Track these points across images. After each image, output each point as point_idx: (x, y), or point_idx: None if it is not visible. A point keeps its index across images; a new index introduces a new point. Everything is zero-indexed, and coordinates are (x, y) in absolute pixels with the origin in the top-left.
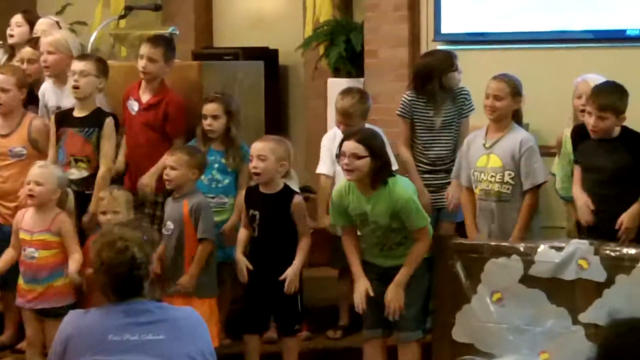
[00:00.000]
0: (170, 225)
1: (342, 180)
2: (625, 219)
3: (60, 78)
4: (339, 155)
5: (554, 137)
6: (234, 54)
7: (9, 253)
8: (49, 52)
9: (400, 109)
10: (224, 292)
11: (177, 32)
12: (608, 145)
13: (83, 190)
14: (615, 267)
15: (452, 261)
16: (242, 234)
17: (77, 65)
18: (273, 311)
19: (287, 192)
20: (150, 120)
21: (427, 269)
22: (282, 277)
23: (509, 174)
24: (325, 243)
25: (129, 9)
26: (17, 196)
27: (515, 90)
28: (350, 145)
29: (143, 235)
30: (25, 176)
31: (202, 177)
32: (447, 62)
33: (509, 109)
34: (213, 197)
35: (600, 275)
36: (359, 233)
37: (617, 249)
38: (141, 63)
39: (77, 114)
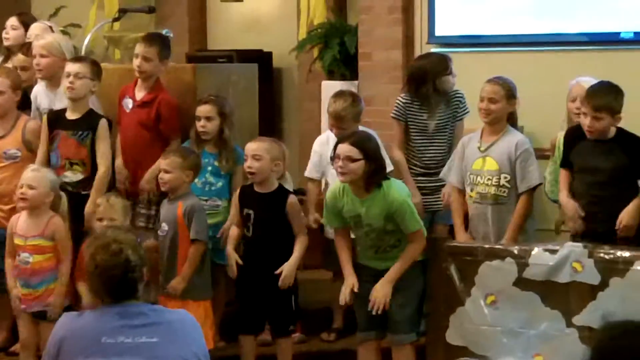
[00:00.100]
0: (164, 226)
1: (336, 182)
2: (624, 217)
3: (52, 81)
4: (334, 158)
5: (548, 139)
6: (228, 57)
7: (9, 264)
8: (42, 55)
9: (394, 112)
10: (218, 294)
11: (171, 35)
12: (604, 146)
13: (79, 191)
14: (610, 270)
15: (446, 264)
16: (234, 231)
17: (72, 67)
18: (267, 312)
19: (282, 191)
20: (143, 119)
21: (421, 272)
22: (278, 271)
23: (505, 177)
24: (319, 245)
25: (123, 11)
26: (12, 199)
27: (510, 93)
28: (345, 148)
29: (137, 237)
30: (19, 178)
31: (196, 180)
32: (442, 65)
33: (504, 112)
34: (206, 200)
35: (594, 278)
36: (352, 236)
37: (611, 251)
38: (136, 62)
39: (70, 116)
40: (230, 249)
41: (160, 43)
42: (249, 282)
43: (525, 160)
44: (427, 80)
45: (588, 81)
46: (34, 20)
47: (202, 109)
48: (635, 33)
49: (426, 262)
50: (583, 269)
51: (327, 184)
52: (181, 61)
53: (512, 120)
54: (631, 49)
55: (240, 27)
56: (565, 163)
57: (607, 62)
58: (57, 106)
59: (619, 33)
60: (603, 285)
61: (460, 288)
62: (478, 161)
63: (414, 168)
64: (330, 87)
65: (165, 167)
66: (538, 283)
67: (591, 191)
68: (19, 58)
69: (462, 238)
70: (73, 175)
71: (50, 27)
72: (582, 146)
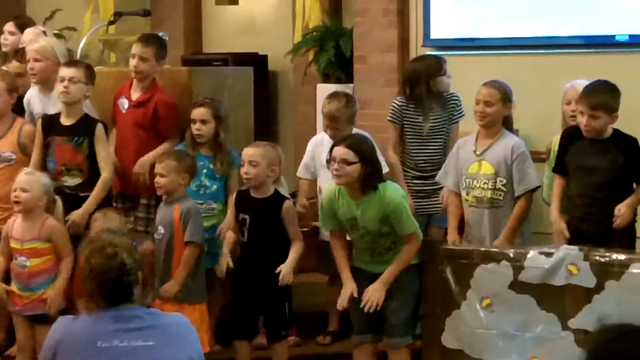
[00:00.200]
0: (161, 229)
1: (332, 184)
2: (622, 206)
3: (46, 85)
4: (329, 161)
5: (543, 142)
6: (224, 60)
7: (1, 262)
8: (36, 60)
9: (390, 115)
10: (214, 298)
11: (167, 38)
12: (601, 145)
13: (77, 194)
14: (605, 272)
15: (442, 267)
16: (230, 236)
17: (66, 72)
18: (262, 316)
19: (278, 197)
20: (139, 119)
21: (417, 275)
22: (278, 270)
23: (501, 181)
24: (314, 249)
25: (118, 14)
26: (6, 201)
27: (505, 97)
28: (341, 151)
29: (132, 241)
30: (14, 182)
31: (191, 183)
32: (436, 66)
33: (499, 115)
34: (202, 203)
35: (589, 281)
36: (348, 238)
37: (607, 254)
38: (132, 62)
39: (64, 121)
40: (225, 250)
41: (157, 43)
42: (244, 287)
43: (522, 162)
44: (420, 81)
45: (583, 84)
46: (32, 23)
47: (198, 112)
48: (630, 36)
49: (422, 265)
50: (578, 272)
51: (320, 190)
52: (177, 64)
53: (507, 123)
54: (626, 52)
55: (236, 30)
56: (558, 167)
57: (602, 65)
58: (51, 110)
59: (614, 36)
60: (598, 288)
61: (456, 291)
62: (474, 165)
63: (409, 171)
64: (325, 90)
65: (160, 171)
66: (534, 286)
67: (588, 192)
68: (13, 65)
69: (451, 238)
70: (71, 180)
71: (44, 32)
72: (579, 146)
